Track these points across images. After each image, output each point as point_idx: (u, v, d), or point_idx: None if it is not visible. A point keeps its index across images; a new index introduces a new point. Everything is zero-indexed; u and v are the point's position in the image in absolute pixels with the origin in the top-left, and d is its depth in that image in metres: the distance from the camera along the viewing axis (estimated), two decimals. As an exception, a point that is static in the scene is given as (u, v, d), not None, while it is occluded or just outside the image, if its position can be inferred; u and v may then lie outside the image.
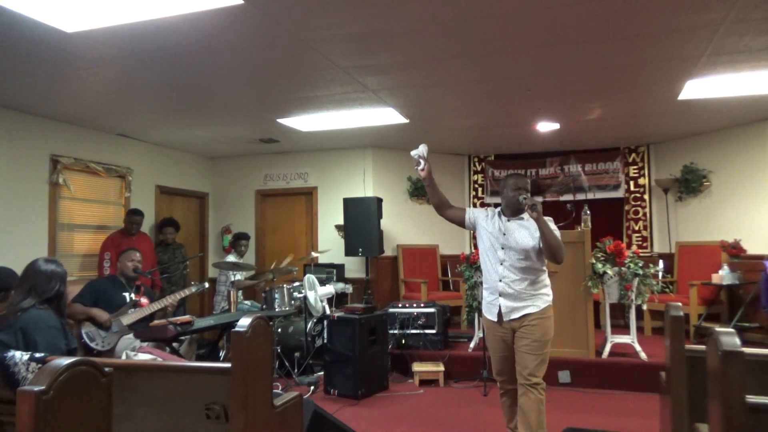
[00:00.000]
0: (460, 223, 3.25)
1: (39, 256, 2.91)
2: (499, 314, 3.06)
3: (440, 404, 4.48)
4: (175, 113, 5.51)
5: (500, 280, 3.06)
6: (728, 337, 1.52)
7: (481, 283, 3.30)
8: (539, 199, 7.48)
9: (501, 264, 3.07)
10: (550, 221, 2.99)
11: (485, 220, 3.19)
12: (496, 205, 3.31)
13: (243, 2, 3.00)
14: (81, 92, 4.73)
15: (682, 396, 2.41)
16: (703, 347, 1.92)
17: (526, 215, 3.07)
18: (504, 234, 3.08)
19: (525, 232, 3.06)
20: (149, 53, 3.78)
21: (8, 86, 4.49)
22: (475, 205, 8.01)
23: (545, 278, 3.13)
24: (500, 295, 3.06)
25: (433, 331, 5.49)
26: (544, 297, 3.08)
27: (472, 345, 5.46)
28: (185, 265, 6.41)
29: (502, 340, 3.11)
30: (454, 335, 5.96)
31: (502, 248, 3.07)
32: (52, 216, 5.50)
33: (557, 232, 2.98)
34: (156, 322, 4.14)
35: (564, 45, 3.73)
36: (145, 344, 3.90)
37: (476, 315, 5.35)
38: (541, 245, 2.97)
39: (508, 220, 3.12)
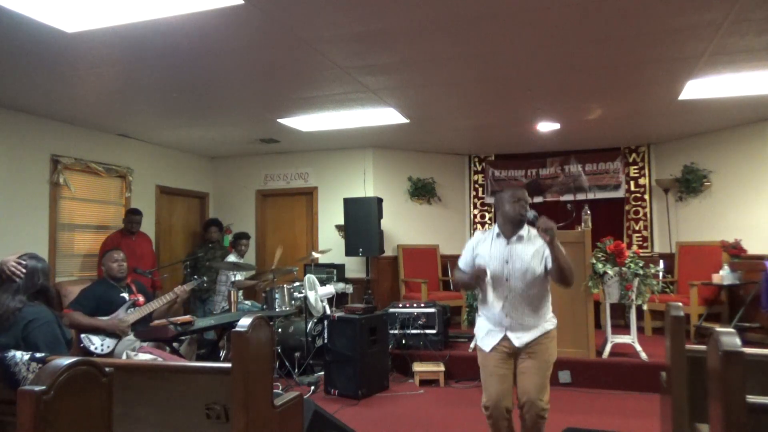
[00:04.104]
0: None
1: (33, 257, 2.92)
2: (505, 338, 2.82)
3: (440, 404, 4.48)
4: (176, 113, 5.51)
5: (506, 316, 2.80)
6: (729, 337, 1.52)
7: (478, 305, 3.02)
8: (539, 199, 7.48)
9: (506, 298, 2.79)
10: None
11: (483, 246, 2.91)
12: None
13: (243, 2, 3.00)
14: (81, 92, 4.73)
15: (682, 396, 2.41)
16: (703, 347, 1.92)
17: (526, 231, 2.83)
18: (507, 262, 2.79)
19: (530, 253, 2.78)
20: (149, 53, 3.78)
21: (8, 86, 4.49)
22: (475, 206, 8.02)
23: (550, 303, 2.91)
24: (506, 330, 2.81)
25: (434, 331, 5.48)
26: (551, 321, 2.88)
27: (472, 345, 5.45)
28: (186, 264, 6.44)
29: (503, 358, 2.83)
30: (454, 335, 5.96)
31: (507, 279, 2.78)
32: (53, 216, 5.50)
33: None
34: (156, 322, 4.13)
35: (564, 45, 3.73)
36: (145, 344, 3.89)
37: (476, 315, 5.33)
38: (550, 267, 2.72)
39: (508, 243, 2.83)
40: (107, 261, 4.35)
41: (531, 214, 2.72)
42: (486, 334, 2.90)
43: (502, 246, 2.84)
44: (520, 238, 2.83)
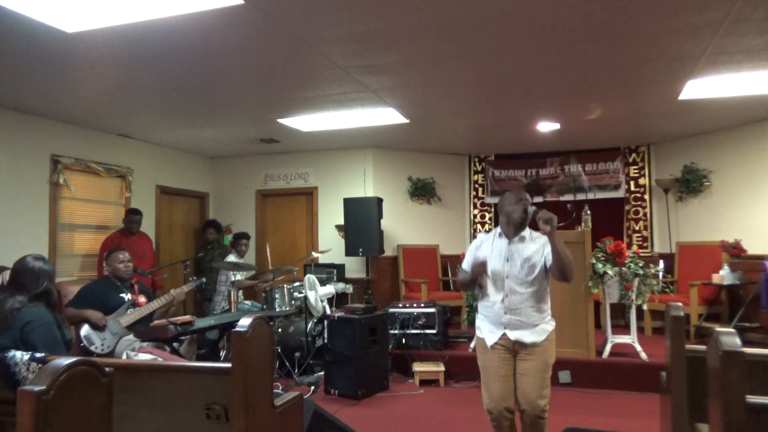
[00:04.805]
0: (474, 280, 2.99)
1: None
2: (504, 337, 2.86)
3: (440, 404, 4.48)
4: (175, 113, 5.51)
5: (505, 313, 2.85)
6: (729, 337, 1.51)
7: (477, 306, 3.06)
8: (539, 199, 7.48)
9: (506, 296, 2.85)
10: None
11: (485, 246, 2.99)
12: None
13: (243, 2, 3.00)
14: (81, 92, 4.73)
15: (682, 396, 2.41)
16: (703, 347, 1.92)
17: (527, 233, 2.89)
18: (508, 260, 2.86)
19: (531, 251, 2.84)
20: (149, 53, 3.78)
21: (8, 86, 4.49)
22: (475, 206, 8.02)
23: (549, 303, 2.94)
24: (505, 327, 2.86)
25: (434, 331, 5.48)
26: (550, 323, 2.90)
27: (472, 345, 5.45)
28: (185, 264, 6.43)
29: (504, 359, 2.87)
30: (454, 335, 5.96)
31: (507, 277, 2.85)
32: (53, 216, 5.50)
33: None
34: (156, 322, 4.13)
35: (564, 45, 3.73)
36: (145, 344, 3.89)
37: (477, 315, 5.33)
38: (551, 264, 2.76)
39: (510, 243, 2.89)
40: (113, 261, 4.36)
41: (531, 209, 2.81)
42: (489, 333, 2.94)
43: (503, 245, 2.91)
44: (522, 239, 2.90)
